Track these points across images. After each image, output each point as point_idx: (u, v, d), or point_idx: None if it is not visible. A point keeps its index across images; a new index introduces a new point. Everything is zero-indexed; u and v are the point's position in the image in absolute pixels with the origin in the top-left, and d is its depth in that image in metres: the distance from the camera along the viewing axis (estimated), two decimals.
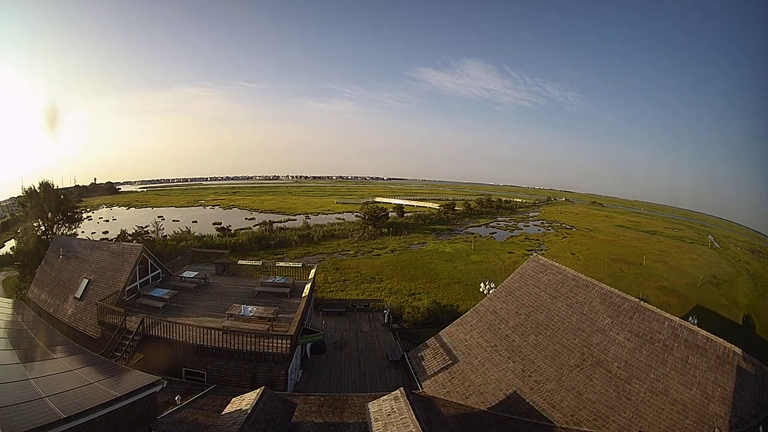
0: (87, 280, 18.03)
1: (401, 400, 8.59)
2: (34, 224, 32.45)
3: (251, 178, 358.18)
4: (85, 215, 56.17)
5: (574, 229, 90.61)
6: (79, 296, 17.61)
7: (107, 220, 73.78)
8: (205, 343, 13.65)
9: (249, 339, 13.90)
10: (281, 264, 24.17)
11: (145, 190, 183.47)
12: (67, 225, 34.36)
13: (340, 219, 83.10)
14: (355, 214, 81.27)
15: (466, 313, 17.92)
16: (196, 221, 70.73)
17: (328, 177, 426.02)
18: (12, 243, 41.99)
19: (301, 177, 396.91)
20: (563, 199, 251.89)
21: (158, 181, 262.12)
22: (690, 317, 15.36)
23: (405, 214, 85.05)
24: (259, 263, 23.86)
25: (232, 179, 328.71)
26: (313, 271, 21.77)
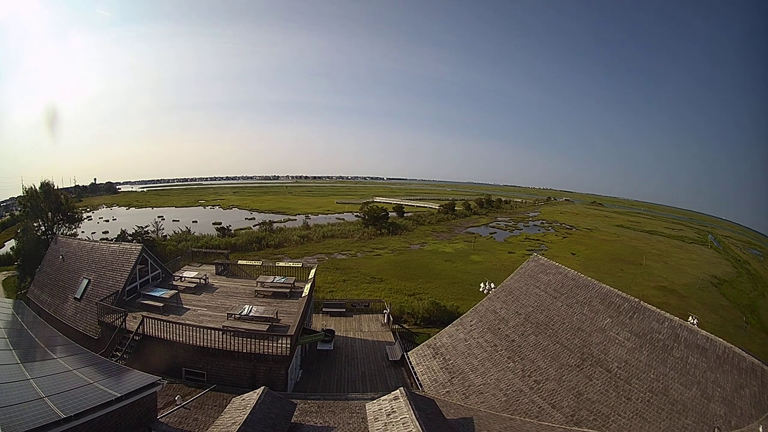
0: (87, 280, 18.00)
1: (401, 400, 8.59)
2: (34, 224, 32.44)
3: (251, 178, 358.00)
4: (85, 215, 56.29)
5: (574, 229, 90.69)
6: (78, 296, 17.59)
7: (107, 220, 73.80)
8: (205, 343, 13.62)
9: (249, 339, 13.88)
10: (281, 264, 24.13)
11: (145, 190, 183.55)
12: (67, 225, 34.38)
13: (340, 219, 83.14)
14: (355, 214, 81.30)
15: (466, 313, 17.92)
16: (196, 221, 70.76)
17: (327, 177, 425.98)
18: (12, 243, 42.01)
19: (300, 177, 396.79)
20: (563, 199, 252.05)
21: (158, 181, 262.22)
22: (690, 317, 15.35)
23: (405, 214, 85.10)
24: (259, 263, 23.82)
25: (232, 179, 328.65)
26: (313, 271, 21.74)
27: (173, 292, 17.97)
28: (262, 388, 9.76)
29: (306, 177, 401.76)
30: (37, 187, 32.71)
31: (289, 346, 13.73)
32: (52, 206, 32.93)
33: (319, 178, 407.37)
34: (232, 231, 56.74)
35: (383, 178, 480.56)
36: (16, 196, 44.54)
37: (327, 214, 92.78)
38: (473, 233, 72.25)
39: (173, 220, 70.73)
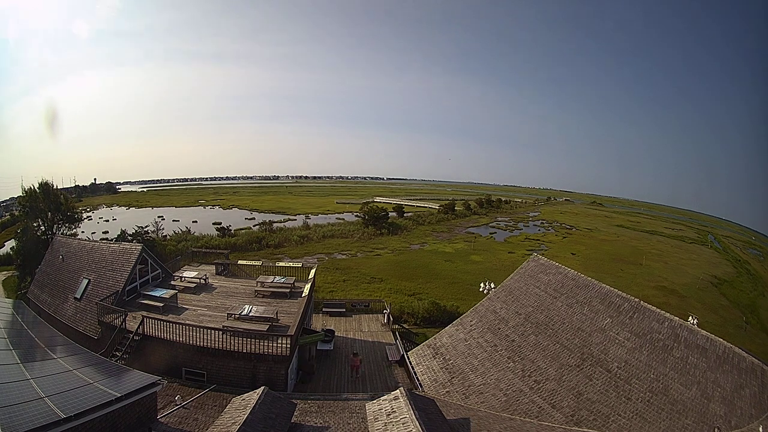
0: (87, 280, 18.00)
1: (401, 400, 8.59)
2: (34, 224, 32.44)
3: (251, 178, 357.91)
4: (85, 215, 56.27)
5: (574, 229, 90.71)
6: (78, 296, 17.59)
7: (107, 220, 73.79)
8: (205, 343, 13.62)
9: (249, 339, 13.88)
10: (281, 264, 24.13)
11: (145, 190, 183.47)
12: (67, 225, 34.35)
13: (340, 219, 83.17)
14: (355, 214, 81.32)
15: (466, 313, 17.93)
16: (196, 221, 70.75)
17: (328, 177, 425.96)
18: (12, 243, 41.99)
19: (300, 177, 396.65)
20: (563, 199, 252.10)
21: (158, 181, 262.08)
22: (690, 317, 15.36)
23: (405, 214, 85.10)
24: (259, 263, 23.83)
25: (232, 179, 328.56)
26: (313, 271, 21.74)
27: (173, 292, 17.96)
28: (262, 388, 9.76)
29: (306, 177, 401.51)
30: (37, 187, 32.70)
31: (289, 346, 13.73)
32: (52, 206, 32.92)
33: (319, 178, 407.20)
34: (232, 231, 56.76)
35: (383, 178, 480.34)
36: (16, 196, 44.52)
37: (327, 214, 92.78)
38: (473, 233, 72.28)
39: (173, 220, 70.71)
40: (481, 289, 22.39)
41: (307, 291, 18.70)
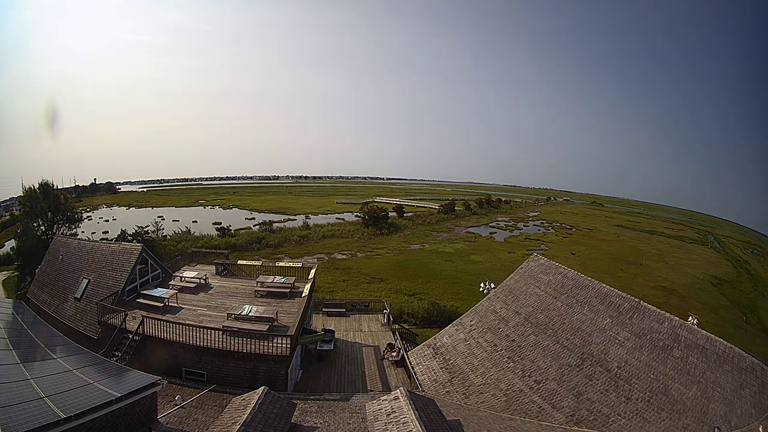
0: (87, 280, 18.00)
1: (401, 400, 8.59)
2: (34, 224, 32.45)
3: (251, 178, 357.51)
4: (85, 215, 56.32)
5: (573, 229, 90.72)
6: (78, 296, 17.59)
7: (107, 220, 73.78)
8: (205, 343, 13.62)
9: (249, 339, 13.88)
10: (281, 264, 24.12)
11: (145, 190, 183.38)
12: (66, 225, 34.37)
13: (340, 219, 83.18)
14: (355, 214, 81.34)
15: (466, 313, 17.93)
16: (196, 221, 70.76)
17: (328, 177, 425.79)
18: (12, 243, 42.01)
19: (300, 177, 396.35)
20: (563, 199, 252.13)
21: (158, 181, 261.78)
22: (690, 317, 15.37)
23: (405, 214, 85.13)
24: (259, 263, 23.82)
25: (232, 179, 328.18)
26: (313, 271, 21.74)
27: (173, 292, 17.96)
28: (262, 388, 9.76)
29: (306, 177, 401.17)
30: (37, 187, 32.71)
31: (289, 346, 13.73)
32: (52, 206, 32.93)
33: (319, 178, 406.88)
34: (232, 231, 56.79)
35: (383, 178, 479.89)
36: (16, 196, 44.58)
37: (327, 214, 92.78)
38: (473, 233, 72.31)
39: (173, 220, 70.69)
40: (481, 289, 22.38)
41: (307, 291, 18.69)
